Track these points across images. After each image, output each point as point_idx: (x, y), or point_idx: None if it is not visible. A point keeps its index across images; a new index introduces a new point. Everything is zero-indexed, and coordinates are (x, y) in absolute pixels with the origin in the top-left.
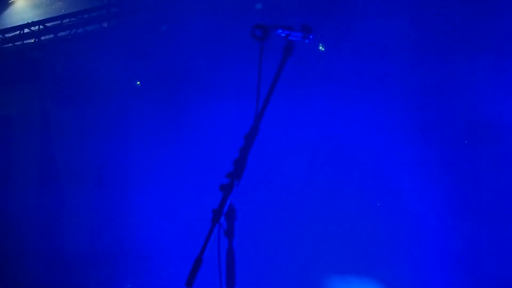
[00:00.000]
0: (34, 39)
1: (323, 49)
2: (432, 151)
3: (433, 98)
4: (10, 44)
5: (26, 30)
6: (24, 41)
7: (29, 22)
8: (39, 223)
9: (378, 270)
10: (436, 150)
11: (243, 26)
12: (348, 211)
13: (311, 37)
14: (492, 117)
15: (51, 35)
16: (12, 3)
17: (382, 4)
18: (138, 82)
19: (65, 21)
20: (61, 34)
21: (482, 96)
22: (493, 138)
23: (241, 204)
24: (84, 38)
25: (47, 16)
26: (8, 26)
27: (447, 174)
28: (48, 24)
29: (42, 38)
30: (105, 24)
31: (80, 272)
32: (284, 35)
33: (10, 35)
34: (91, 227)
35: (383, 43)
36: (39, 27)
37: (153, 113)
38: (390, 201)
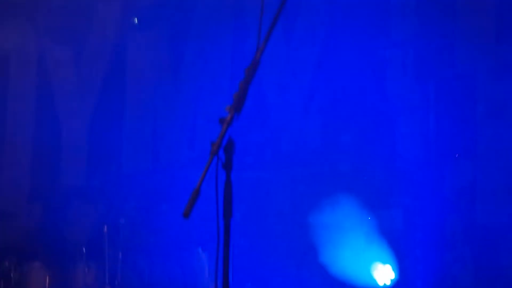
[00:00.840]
0: None
1: None
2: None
3: None
4: None
5: None
6: None
7: None
8: (36, 154)
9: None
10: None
11: None
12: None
13: None
14: None
15: None
16: None
17: None
18: (136, 19)
19: None
20: None
21: None
22: None
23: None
24: None
25: None
26: None
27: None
28: None
29: None
30: None
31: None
32: None
33: None
34: (88, 160)
35: None
36: None
37: (153, 47)
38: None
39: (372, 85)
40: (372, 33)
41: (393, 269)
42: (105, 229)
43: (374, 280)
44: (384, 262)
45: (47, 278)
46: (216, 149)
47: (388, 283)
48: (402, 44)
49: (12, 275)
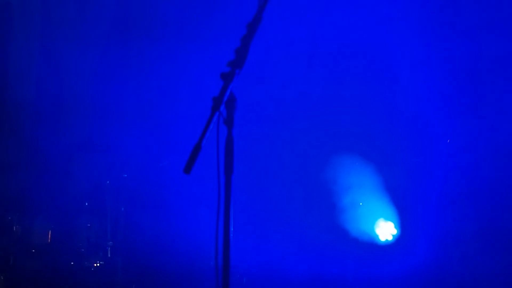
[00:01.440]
0: None
1: None
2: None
3: None
4: None
5: None
6: None
7: None
8: (38, 108)
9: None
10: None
11: None
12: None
13: None
14: None
15: None
16: None
17: None
18: None
19: None
20: None
21: None
22: None
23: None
24: None
25: None
26: None
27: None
28: None
29: None
30: None
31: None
32: None
33: None
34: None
35: None
36: None
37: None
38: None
39: (375, 37)
40: None
41: (396, 226)
42: (108, 183)
43: (377, 236)
44: (386, 219)
45: (50, 232)
46: (218, 104)
47: (390, 239)
48: None
49: (15, 228)
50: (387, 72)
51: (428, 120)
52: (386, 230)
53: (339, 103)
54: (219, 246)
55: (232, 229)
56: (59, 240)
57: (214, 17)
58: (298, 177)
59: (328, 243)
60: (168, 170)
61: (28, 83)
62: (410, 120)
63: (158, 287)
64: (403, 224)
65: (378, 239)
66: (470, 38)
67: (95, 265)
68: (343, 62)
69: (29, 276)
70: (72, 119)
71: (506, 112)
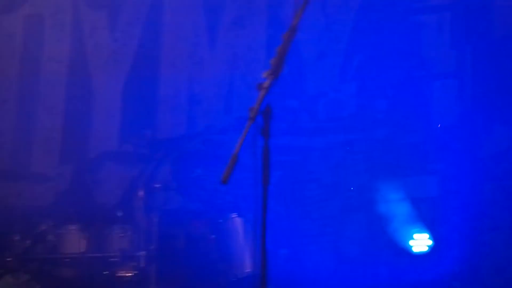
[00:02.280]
0: None
1: None
2: None
3: None
4: None
5: None
6: None
7: None
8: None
9: None
10: None
11: None
12: None
13: None
14: None
15: None
16: None
17: None
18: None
19: None
20: None
21: None
22: None
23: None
24: None
25: None
26: None
27: None
28: None
29: None
30: None
31: None
32: None
33: None
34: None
35: None
36: None
37: (189, 12)
38: None
39: (408, 49)
40: None
41: (428, 236)
42: (141, 193)
43: (410, 247)
44: (419, 229)
45: (84, 241)
46: (254, 115)
47: (424, 250)
48: (438, 8)
49: (48, 238)
50: (418, 82)
51: (460, 128)
52: (421, 241)
53: (371, 113)
54: (256, 256)
55: (268, 239)
56: (93, 250)
57: (251, 27)
58: (334, 187)
59: (364, 252)
60: (201, 179)
61: (58, 89)
62: (441, 128)
63: None
64: (436, 235)
65: (412, 250)
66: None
67: (127, 275)
68: (375, 74)
69: (63, 285)
70: (102, 127)
71: None
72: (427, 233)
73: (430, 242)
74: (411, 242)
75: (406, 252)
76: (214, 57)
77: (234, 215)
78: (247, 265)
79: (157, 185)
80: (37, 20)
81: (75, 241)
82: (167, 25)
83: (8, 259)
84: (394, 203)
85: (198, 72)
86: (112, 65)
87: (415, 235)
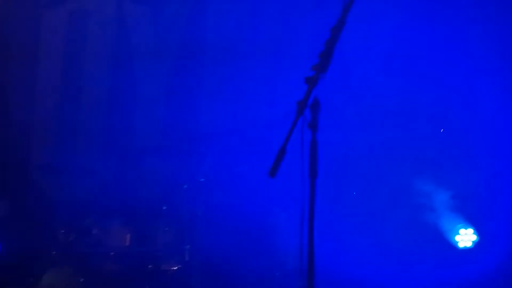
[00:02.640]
0: None
1: None
2: None
3: None
4: None
5: None
6: None
7: None
8: (111, 111)
9: None
10: None
11: None
12: None
13: None
14: None
15: None
16: None
17: None
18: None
19: None
20: None
21: None
22: None
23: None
24: None
25: None
26: None
27: None
28: None
29: None
30: None
31: None
32: None
33: None
34: (164, 119)
35: None
36: None
37: (234, 7)
38: None
39: (453, 44)
40: None
41: (474, 232)
42: (185, 187)
43: (456, 242)
44: (465, 225)
45: (128, 235)
46: (302, 108)
47: (469, 245)
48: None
49: (93, 232)
50: (464, 77)
51: (507, 126)
52: (465, 237)
53: (417, 109)
54: (303, 250)
55: (316, 233)
56: (137, 243)
57: (299, 21)
58: (382, 180)
59: (409, 248)
60: (247, 173)
61: (103, 84)
62: (488, 124)
63: None
64: (482, 231)
65: (458, 245)
66: None
67: (172, 268)
68: (421, 69)
69: (107, 278)
70: (144, 122)
71: None
72: (472, 228)
73: (475, 238)
74: (456, 238)
75: (452, 248)
76: (258, 51)
77: (279, 210)
78: (292, 260)
79: (201, 180)
80: (81, 15)
81: (119, 235)
82: (210, 20)
83: (52, 253)
84: (439, 199)
85: (242, 66)
86: (156, 60)
87: (461, 231)
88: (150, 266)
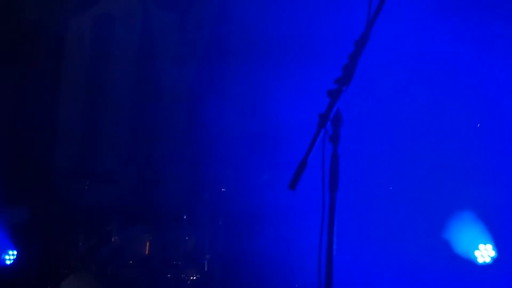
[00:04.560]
0: None
1: None
2: None
3: None
4: None
5: None
6: None
7: None
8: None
9: None
10: None
11: None
12: None
13: None
14: None
15: None
16: None
17: None
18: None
19: None
20: None
21: None
22: None
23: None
24: None
25: None
26: None
27: None
28: None
29: None
30: None
31: None
32: None
33: None
34: (185, 127)
35: None
36: None
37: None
38: None
39: (479, 52)
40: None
41: (493, 248)
42: (206, 197)
43: (474, 258)
44: (484, 241)
45: (148, 243)
46: (324, 121)
47: (488, 261)
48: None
49: (113, 239)
50: (489, 86)
51: None
52: (484, 253)
53: (441, 119)
54: (322, 262)
55: (335, 246)
56: (157, 252)
57: (323, 33)
58: (403, 195)
59: (429, 262)
60: (267, 184)
61: (127, 90)
62: (508, 138)
63: None
64: (501, 246)
65: (477, 261)
66: None
67: (191, 278)
68: (447, 78)
69: (126, 286)
70: (165, 130)
71: None
72: (492, 244)
73: (494, 253)
74: (475, 253)
75: (470, 263)
76: (284, 56)
77: (299, 222)
78: (311, 273)
79: (223, 189)
80: (107, 20)
81: (139, 243)
82: (235, 25)
83: (72, 259)
84: (459, 214)
85: (266, 73)
86: (180, 65)
87: (480, 246)
88: (169, 275)
